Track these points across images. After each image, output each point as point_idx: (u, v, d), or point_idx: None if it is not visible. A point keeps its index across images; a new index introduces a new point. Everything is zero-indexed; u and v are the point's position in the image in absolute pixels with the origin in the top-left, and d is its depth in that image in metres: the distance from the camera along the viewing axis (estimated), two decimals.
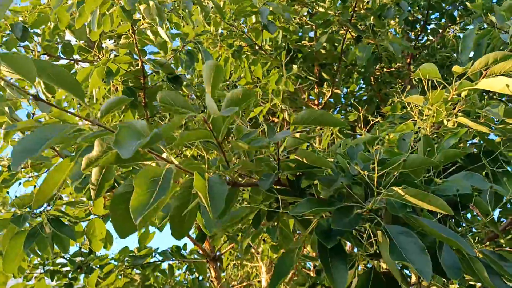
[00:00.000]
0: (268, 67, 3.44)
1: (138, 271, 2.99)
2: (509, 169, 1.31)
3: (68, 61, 3.05)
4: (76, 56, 3.04)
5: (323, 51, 3.59)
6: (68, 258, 3.07)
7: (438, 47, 3.95)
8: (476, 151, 1.38)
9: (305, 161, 1.01)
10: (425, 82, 1.43)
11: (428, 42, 4.11)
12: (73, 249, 3.25)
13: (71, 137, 0.92)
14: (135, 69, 2.32)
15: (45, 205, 1.65)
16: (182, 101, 0.92)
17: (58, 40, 2.98)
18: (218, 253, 2.83)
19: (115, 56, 2.28)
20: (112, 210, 1.05)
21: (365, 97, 4.06)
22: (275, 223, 1.37)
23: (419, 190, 0.84)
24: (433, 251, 0.99)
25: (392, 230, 0.87)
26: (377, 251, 0.95)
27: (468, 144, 1.44)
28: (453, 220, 1.22)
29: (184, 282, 3.55)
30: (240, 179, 1.14)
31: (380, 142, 1.40)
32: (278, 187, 1.11)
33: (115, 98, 1.00)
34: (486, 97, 1.47)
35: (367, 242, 0.91)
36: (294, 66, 3.16)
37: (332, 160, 1.09)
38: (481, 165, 1.35)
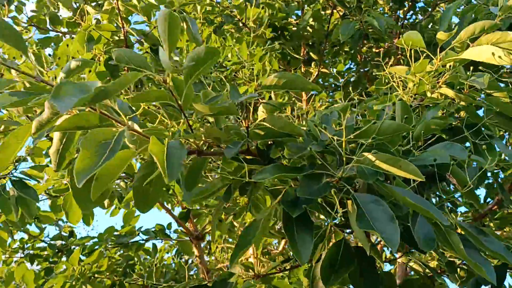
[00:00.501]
0: (253, 46, 3.36)
1: (122, 252, 2.94)
2: (492, 142, 1.27)
3: (57, 33, 2.95)
4: (65, 29, 2.94)
5: (310, 30, 3.51)
6: (48, 242, 3.01)
7: (429, 26, 3.89)
8: (460, 124, 1.33)
9: (274, 128, 0.95)
10: (407, 50, 1.37)
11: (417, 21, 4.04)
12: (53, 232, 3.17)
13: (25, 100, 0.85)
14: (118, 38, 2.23)
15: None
16: (140, 60, 0.85)
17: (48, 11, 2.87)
18: (201, 233, 2.79)
19: (98, 23, 2.18)
20: (71, 183, 0.99)
21: (353, 78, 4.00)
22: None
23: (390, 155, 0.79)
24: (407, 222, 0.95)
25: (361, 198, 0.82)
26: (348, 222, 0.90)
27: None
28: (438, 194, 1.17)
29: (173, 265, 3.51)
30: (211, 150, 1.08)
31: (359, 114, 1.35)
32: (248, 157, 1.05)
33: (79, 59, 0.93)
34: (471, 68, 1.41)
35: (336, 212, 0.85)
36: (276, 43, 3.07)
37: (305, 128, 1.03)
38: (464, 138, 1.31)
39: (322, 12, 3.56)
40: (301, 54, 3.55)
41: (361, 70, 3.99)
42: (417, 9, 4.11)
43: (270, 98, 3.80)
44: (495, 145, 1.37)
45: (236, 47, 3.44)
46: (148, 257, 3.08)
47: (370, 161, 0.81)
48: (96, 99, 0.74)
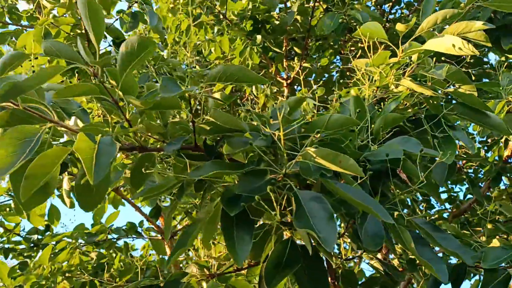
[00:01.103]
0: (233, 37, 3.30)
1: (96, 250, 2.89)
2: (451, 134, 1.23)
3: (17, 27, 2.86)
4: (25, 23, 2.86)
5: (293, 23, 3.45)
6: (23, 236, 2.95)
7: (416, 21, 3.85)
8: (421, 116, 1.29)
9: (218, 123, 0.91)
10: (365, 42, 1.32)
11: (403, 15, 4.00)
12: (28, 226, 3.11)
13: None
14: (80, 32, 2.16)
15: None
16: (70, 52, 0.80)
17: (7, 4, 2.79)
18: (172, 231, 2.74)
19: (55, 17, 2.11)
20: (11, 181, 0.94)
21: (337, 73, 3.96)
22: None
23: (330, 150, 0.75)
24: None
25: (303, 195, 0.78)
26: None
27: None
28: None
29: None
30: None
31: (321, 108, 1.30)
32: (195, 152, 1.00)
33: (14, 52, 0.87)
34: (434, 59, 1.36)
35: (281, 210, 0.81)
36: (258, 36, 3.01)
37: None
38: (426, 130, 1.27)
39: (307, 5, 3.51)
40: (284, 48, 3.50)
41: (344, 64, 3.96)
42: (402, 4, 4.08)
43: (250, 91, 3.75)
44: (457, 136, 1.32)
45: (218, 39, 3.38)
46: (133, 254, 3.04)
47: (312, 156, 0.77)
48: (7, 96, 0.69)
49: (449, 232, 1.40)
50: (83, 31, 2.12)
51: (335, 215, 0.72)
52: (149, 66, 1.98)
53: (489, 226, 2.42)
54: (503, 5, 1.44)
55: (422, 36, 1.35)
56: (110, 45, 2.17)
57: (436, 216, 2.99)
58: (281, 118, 0.77)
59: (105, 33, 2.08)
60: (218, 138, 1.00)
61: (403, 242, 0.93)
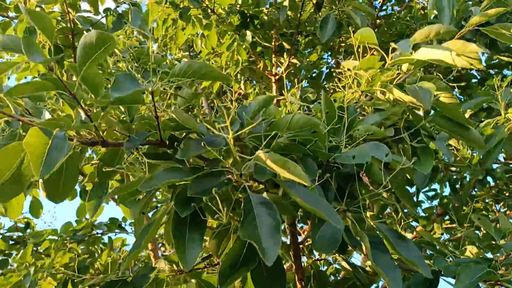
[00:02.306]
0: (222, 32, 3.28)
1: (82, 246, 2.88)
2: (428, 145, 1.23)
3: (4, 18, 2.82)
4: (12, 14, 2.82)
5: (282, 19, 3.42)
6: (2, 234, 2.93)
7: (407, 18, 3.84)
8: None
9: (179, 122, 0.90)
10: (356, 48, 1.31)
11: (393, 12, 3.98)
12: (8, 224, 3.08)
13: None
14: (66, 25, 2.14)
15: None
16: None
17: None
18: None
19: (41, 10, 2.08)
20: None
21: (325, 69, 3.95)
22: None
23: (280, 156, 0.74)
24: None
25: (255, 199, 0.77)
26: None
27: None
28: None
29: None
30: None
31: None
32: (161, 149, 0.99)
33: None
34: (421, 69, 1.35)
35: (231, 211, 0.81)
36: (248, 33, 2.99)
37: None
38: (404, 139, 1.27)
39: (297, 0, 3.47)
40: (272, 43, 3.47)
41: (334, 61, 3.94)
42: (393, 0, 4.06)
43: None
44: (436, 146, 1.32)
45: (206, 33, 3.36)
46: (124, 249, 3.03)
47: (263, 160, 0.77)
48: None
49: (425, 238, 1.40)
50: (69, 25, 2.09)
51: (282, 225, 0.71)
52: (130, 61, 1.97)
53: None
54: (500, 36, 1.40)
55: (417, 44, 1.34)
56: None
57: (426, 214, 3.00)
58: (229, 120, 0.76)
59: (91, 28, 2.07)
60: (185, 135, 0.99)
61: (364, 245, 0.92)
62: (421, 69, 1.35)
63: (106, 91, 0.87)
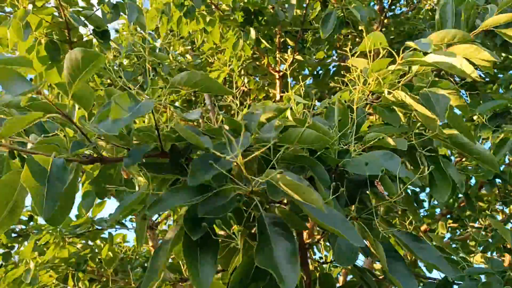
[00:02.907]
0: (225, 29, 3.22)
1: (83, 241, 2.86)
2: (446, 172, 1.17)
3: (1, 12, 2.77)
4: (9, 9, 2.76)
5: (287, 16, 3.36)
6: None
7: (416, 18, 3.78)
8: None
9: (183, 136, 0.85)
10: (368, 51, 1.26)
11: (402, 12, 3.92)
12: None
13: None
14: (62, 20, 2.08)
15: None
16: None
17: None
18: (154, 222, 2.71)
19: (34, 6, 2.03)
20: None
21: (332, 67, 3.89)
22: None
23: (294, 180, 0.68)
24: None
25: (268, 220, 0.73)
26: None
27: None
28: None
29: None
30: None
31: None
32: (163, 160, 0.95)
33: None
34: (433, 73, 1.30)
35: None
36: (252, 30, 2.93)
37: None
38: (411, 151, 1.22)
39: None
40: (277, 40, 3.41)
41: (340, 59, 3.88)
42: (402, 1, 4.00)
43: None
44: (449, 172, 1.26)
45: (209, 30, 3.30)
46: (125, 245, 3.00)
47: (276, 181, 0.72)
48: None
49: (436, 242, 1.36)
50: (64, 20, 2.04)
51: (297, 249, 0.67)
52: (133, 58, 1.92)
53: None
54: None
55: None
56: (91, 34, 2.09)
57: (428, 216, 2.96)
58: (240, 145, 0.71)
59: (86, 22, 2.01)
60: (188, 145, 0.94)
61: (377, 254, 0.89)
62: (433, 72, 1.30)
63: (100, 109, 0.81)
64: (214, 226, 0.83)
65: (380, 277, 1.43)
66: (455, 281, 1.13)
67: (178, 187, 0.77)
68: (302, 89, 1.53)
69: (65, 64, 0.72)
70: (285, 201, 0.88)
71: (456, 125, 1.16)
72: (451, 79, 1.25)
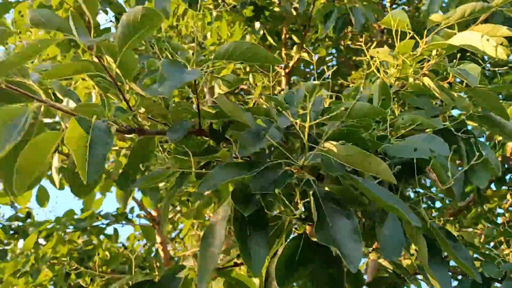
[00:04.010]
0: (231, 23, 3.18)
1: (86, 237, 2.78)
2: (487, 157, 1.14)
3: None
4: None
5: (294, 12, 3.33)
6: (3, 224, 2.82)
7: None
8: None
9: (224, 111, 0.81)
10: (393, 30, 1.23)
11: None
12: (8, 213, 2.99)
13: None
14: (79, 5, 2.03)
15: None
16: (60, 22, 0.69)
17: None
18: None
19: None
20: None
21: (331, 65, 3.87)
22: None
23: (359, 149, 0.65)
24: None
25: (323, 196, 0.69)
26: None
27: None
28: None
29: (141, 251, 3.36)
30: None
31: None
32: (202, 138, 0.91)
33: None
34: (458, 55, 1.27)
35: (296, 209, 0.72)
36: (258, 25, 2.89)
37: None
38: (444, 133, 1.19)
39: None
40: (283, 36, 3.38)
41: (343, 58, 3.87)
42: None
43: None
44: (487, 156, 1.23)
45: (216, 25, 3.26)
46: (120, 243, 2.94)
47: (336, 153, 0.68)
48: None
49: (466, 239, 1.33)
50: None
51: (358, 227, 0.63)
52: (151, 45, 1.87)
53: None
54: None
55: (432, 22, 1.27)
56: (111, 21, 2.04)
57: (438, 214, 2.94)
58: (310, 107, 0.67)
59: (107, 8, 1.97)
60: (225, 123, 0.90)
61: (417, 247, 0.85)
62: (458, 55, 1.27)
63: (147, 74, 0.78)
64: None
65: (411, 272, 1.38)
66: (492, 277, 1.09)
67: (226, 164, 0.73)
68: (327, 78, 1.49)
69: (120, 22, 0.68)
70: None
71: (488, 101, 1.12)
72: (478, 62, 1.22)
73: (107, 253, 2.87)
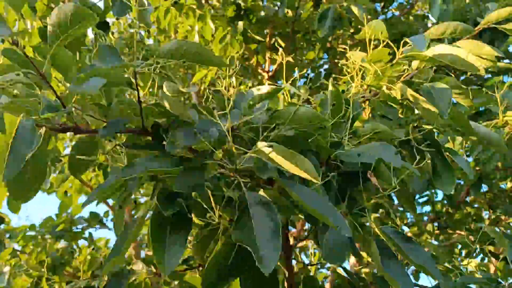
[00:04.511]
0: (215, 25, 3.16)
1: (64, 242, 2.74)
2: (450, 163, 1.14)
3: None
4: None
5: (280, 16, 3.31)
6: None
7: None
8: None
9: (170, 110, 0.79)
10: (368, 40, 1.22)
11: (393, 16, 3.93)
12: None
13: None
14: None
15: None
16: None
17: None
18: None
19: None
20: None
21: (321, 68, 3.85)
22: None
23: (285, 148, 0.64)
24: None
25: (251, 198, 0.67)
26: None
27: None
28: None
29: None
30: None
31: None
32: (144, 138, 0.88)
33: None
34: (433, 68, 1.26)
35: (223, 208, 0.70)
36: (239, 23, 2.88)
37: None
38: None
39: None
40: (267, 39, 3.37)
41: (336, 61, 3.85)
42: (395, 4, 4.00)
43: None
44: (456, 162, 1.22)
45: (199, 26, 3.24)
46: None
47: (265, 153, 0.66)
48: None
49: (429, 248, 1.32)
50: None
51: (280, 228, 0.61)
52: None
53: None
54: None
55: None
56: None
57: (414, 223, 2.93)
58: (229, 108, 0.66)
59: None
60: (172, 122, 0.88)
61: (369, 253, 0.83)
62: (433, 67, 1.26)
63: (81, 70, 0.75)
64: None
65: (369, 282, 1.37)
66: None
67: (157, 155, 0.71)
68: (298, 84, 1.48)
69: (50, 19, 0.66)
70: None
71: (459, 123, 1.12)
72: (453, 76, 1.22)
73: (84, 257, 2.83)
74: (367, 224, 0.87)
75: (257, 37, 3.08)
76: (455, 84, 1.16)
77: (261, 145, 0.67)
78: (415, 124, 1.16)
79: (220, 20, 3.03)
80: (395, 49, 1.17)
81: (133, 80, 0.75)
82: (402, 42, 1.17)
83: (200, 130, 0.74)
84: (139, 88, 0.82)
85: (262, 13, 3.21)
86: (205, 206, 0.65)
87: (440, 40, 1.29)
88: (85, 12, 0.68)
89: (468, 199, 2.81)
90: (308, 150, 0.86)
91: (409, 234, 2.90)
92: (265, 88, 0.91)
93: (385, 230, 0.87)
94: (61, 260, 2.56)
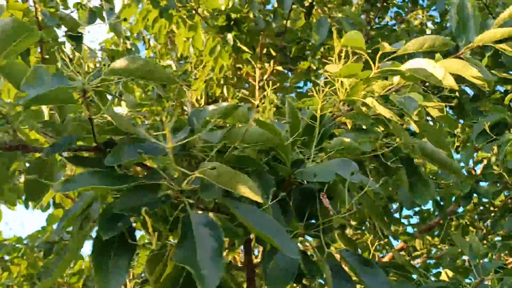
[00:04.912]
0: (206, 36, 3.15)
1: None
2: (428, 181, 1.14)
3: None
4: None
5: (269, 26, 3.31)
6: None
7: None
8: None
9: (120, 128, 0.78)
10: (337, 52, 1.20)
11: (387, 25, 3.91)
12: None
13: None
14: (35, 19, 2.00)
15: None
16: None
17: None
18: None
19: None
20: None
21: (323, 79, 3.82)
22: None
23: (227, 167, 0.62)
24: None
25: (197, 219, 0.65)
26: None
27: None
28: None
29: None
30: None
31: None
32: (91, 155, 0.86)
33: None
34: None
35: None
36: (229, 35, 2.87)
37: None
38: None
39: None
40: (258, 49, 3.36)
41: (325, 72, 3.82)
42: (391, 14, 4.00)
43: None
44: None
45: (190, 35, 3.24)
46: None
47: (210, 174, 0.65)
48: None
49: (398, 261, 1.29)
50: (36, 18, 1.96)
51: (223, 248, 0.59)
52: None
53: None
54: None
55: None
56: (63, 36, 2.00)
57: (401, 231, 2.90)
58: (168, 128, 0.64)
59: (60, 22, 1.94)
60: (123, 139, 0.86)
61: (322, 276, 0.81)
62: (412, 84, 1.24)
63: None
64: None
65: None
66: None
67: (101, 171, 0.69)
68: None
69: None
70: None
71: (429, 133, 1.12)
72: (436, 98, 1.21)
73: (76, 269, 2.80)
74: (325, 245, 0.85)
75: (245, 49, 3.07)
76: (429, 96, 1.15)
77: (206, 165, 0.66)
78: (386, 140, 1.14)
79: (211, 31, 3.02)
80: (371, 63, 1.14)
81: (80, 100, 0.74)
82: (380, 53, 1.15)
83: (147, 147, 0.73)
84: (93, 105, 0.81)
85: (253, 24, 3.21)
86: (144, 232, 0.63)
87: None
88: (26, 28, 0.66)
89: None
90: (266, 169, 0.84)
91: (399, 246, 2.87)
92: (223, 105, 0.90)
93: (342, 254, 0.85)
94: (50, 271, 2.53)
